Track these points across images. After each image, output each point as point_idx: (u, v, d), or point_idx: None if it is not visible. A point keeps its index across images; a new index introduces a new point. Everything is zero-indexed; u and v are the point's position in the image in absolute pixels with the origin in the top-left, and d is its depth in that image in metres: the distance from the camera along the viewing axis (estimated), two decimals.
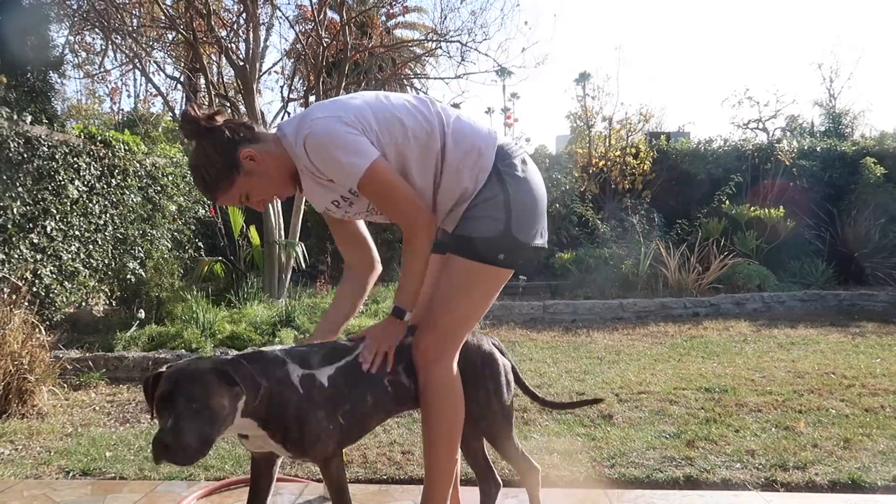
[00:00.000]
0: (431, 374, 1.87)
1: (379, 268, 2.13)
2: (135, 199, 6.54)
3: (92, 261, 5.87)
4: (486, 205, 1.84)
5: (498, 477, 2.18)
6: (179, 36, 7.09)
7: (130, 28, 6.94)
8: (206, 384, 1.57)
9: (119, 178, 6.31)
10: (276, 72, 12.48)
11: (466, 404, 1.93)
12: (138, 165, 6.66)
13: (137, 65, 7.00)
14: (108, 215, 6.12)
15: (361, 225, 2.10)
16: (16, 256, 4.97)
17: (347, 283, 2.09)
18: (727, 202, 8.93)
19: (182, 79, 9.18)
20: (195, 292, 5.93)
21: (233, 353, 1.81)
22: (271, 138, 1.84)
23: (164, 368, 1.63)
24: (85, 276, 5.74)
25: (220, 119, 1.80)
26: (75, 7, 7.47)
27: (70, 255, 5.57)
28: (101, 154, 6.07)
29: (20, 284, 4.53)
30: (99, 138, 6.10)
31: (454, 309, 1.88)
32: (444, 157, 1.84)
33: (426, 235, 1.82)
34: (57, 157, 5.48)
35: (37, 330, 3.86)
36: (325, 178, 1.79)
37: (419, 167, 1.84)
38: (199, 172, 1.81)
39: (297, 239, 6.93)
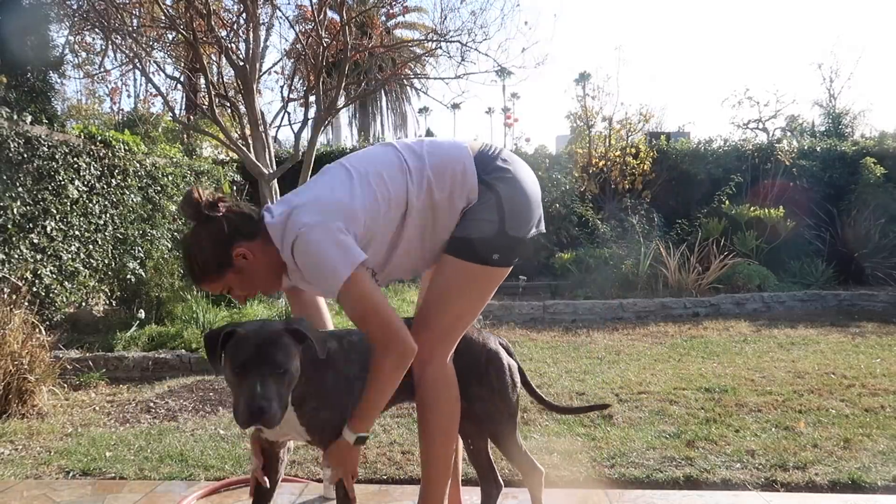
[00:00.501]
0: (425, 373, 1.88)
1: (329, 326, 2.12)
2: (135, 199, 6.53)
3: (92, 261, 5.87)
4: (479, 208, 1.86)
5: (500, 478, 2.18)
6: (179, 36, 7.08)
7: (130, 28, 6.93)
8: (286, 348, 1.61)
9: (119, 178, 6.31)
10: (276, 72, 12.46)
11: (470, 403, 1.93)
12: (138, 165, 6.66)
13: (137, 65, 6.98)
14: (108, 215, 6.11)
15: (320, 299, 2.12)
16: (16, 256, 4.97)
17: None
18: (727, 202, 8.93)
19: (182, 79, 9.16)
20: (195, 292, 5.93)
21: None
22: (263, 231, 1.79)
23: (231, 328, 1.66)
24: (85, 276, 5.74)
25: (222, 208, 1.78)
26: (75, 7, 7.46)
27: (70, 255, 5.56)
28: (101, 154, 6.07)
29: (20, 284, 4.53)
30: (99, 138, 6.10)
31: (448, 309, 1.89)
32: (434, 201, 1.83)
33: (395, 363, 1.73)
34: (57, 157, 5.48)
35: (37, 330, 3.86)
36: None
37: (414, 228, 1.84)
38: (189, 258, 1.80)
39: None
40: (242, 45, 7.15)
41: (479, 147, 1.94)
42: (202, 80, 8.47)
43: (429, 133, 28.10)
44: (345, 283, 1.68)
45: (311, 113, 7.32)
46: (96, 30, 7.28)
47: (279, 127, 11.58)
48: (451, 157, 1.88)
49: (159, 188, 7.00)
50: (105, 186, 6.11)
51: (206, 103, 6.85)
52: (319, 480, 2.59)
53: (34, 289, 5.00)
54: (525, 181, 1.92)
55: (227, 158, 9.38)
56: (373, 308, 1.73)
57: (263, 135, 6.98)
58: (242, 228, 1.78)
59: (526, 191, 1.91)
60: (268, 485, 1.93)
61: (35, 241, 5.18)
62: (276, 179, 6.72)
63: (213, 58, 7.88)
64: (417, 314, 1.95)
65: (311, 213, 1.72)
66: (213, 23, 6.62)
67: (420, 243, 1.89)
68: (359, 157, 1.89)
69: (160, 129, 9.35)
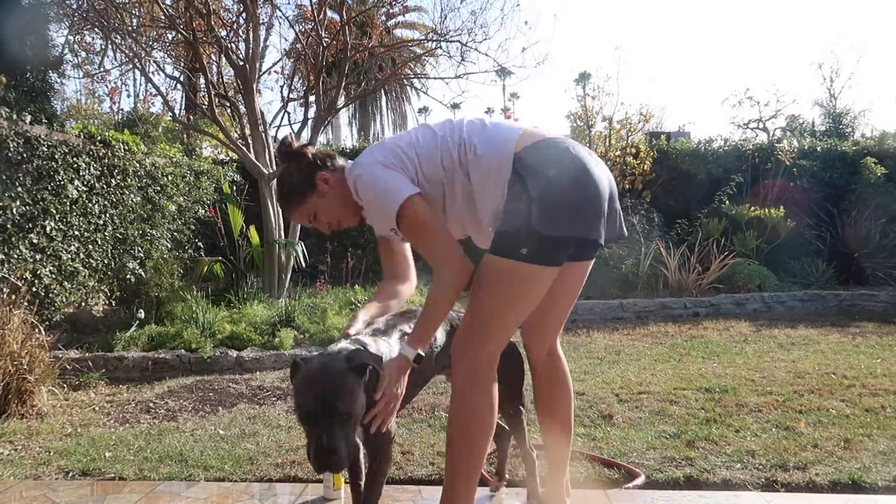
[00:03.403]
0: (457, 369, 1.89)
1: (415, 282, 2.23)
2: (134, 199, 6.53)
3: (91, 261, 5.87)
4: (510, 201, 1.86)
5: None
6: (179, 36, 7.08)
7: (130, 28, 6.93)
8: (350, 392, 1.67)
9: (119, 177, 6.31)
10: (275, 71, 12.50)
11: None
12: (138, 165, 6.65)
13: (137, 65, 6.98)
14: (107, 215, 6.11)
15: (408, 248, 2.21)
16: (15, 256, 4.96)
17: (381, 294, 2.17)
18: (727, 202, 8.93)
19: (182, 79, 9.17)
20: (195, 292, 5.93)
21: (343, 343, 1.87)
22: (342, 168, 2.04)
23: (296, 361, 1.77)
24: (84, 276, 5.74)
25: (311, 149, 2.06)
26: (75, 7, 7.46)
27: (70, 255, 5.56)
28: (101, 154, 6.07)
29: (20, 284, 4.53)
30: (98, 138, 6.09)
31: (479, 305, 1.89)
32: (469, 174, 1.92)
33: (451, 277, 1.84)
34: (56, 156, 5.47)
35: (36, 330, 3.86)
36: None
37: (452, 199, 1.97)
38: (281, 188, 2.09)
39: (297, 239, 6.93)
40: (242, 45, 7.15)
41: (538, 138, 1.90)
42: (202, 80, 8.47)
43: None
44: (402, 206, 1.82)
45: (311, 113, 7.33)
46: (96, 29, 7.28)
47: (279, 127, 11.56)
48: (496, 146, 1.90)
49: (159, 188, 7.00)
50: (105, 186, 6.10)
51: (206, 103, 6.85)
52: (319, 481, 2.58)
53: (34, 289, 5.00)
54: (575, 179, 1.82)
55: (227, 158, 9.38)
56: (431, 229, 1.86)
57: (263, 135, 6.98)
58: (324, 161, 2.04)
59: (569, 189, 1.81)
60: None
61: (34, 241, 5.17)
62: (276, 179, 6.71)
63: (213, 57, 7.88)
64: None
65: (372, 153, 1.95)
66: (212, 22, 6.61)
67: (464, 205, 1.97)
68: (426, 126, 2.04)
69: (160, 129, 9.35)
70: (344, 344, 1.85)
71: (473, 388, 1.86)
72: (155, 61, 7.65)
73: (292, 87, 7.86)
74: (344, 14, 7.26)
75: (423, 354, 1.87)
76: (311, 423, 1.64)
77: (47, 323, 4.87)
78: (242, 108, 7.20)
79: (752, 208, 8.77)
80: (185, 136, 10.05)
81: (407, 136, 2.00)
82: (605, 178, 1.90)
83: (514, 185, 1.85)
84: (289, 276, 6.94)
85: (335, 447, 1.61)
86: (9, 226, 4.94)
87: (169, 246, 7.04)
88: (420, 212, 1.85)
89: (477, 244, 2.12)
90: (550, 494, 2.21)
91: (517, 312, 1.90)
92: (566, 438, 2.20)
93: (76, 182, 5.70)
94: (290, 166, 2.05)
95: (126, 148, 6.46)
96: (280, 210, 6.85)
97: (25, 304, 3.97)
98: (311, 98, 7.36)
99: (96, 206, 5.96)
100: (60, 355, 4.17)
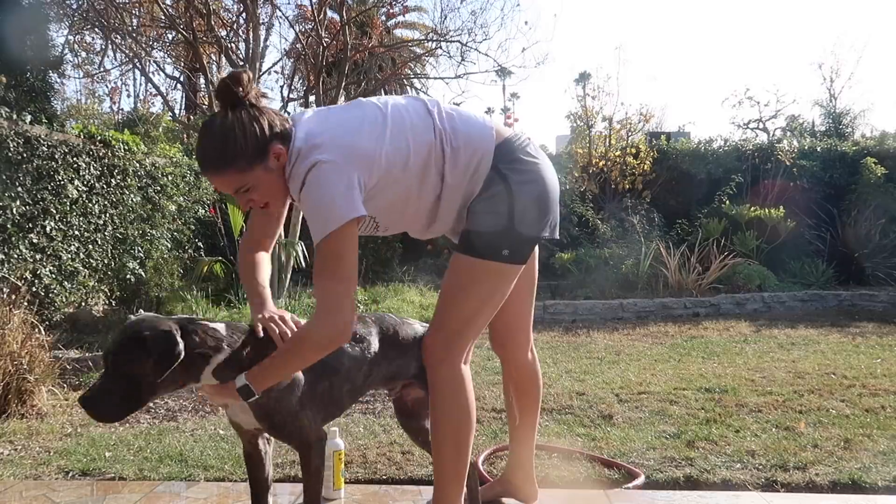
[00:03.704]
0: (437, 375, 1.85)
1: (271, 246, 2.01)
2: (134, 199, 6.53)
3: (91, 261, 5.87)
4: (488, 201, 1.80)
5: None
6: (179, 36, 7.08)
7: (130, 28, 6.93)
8: (122, 352, 1.61)
9: (119, 177, 6.31)
10: (276, 72, 12.49)
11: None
12: (138, 165, 6.65)
13: (137, 64, 7.00)
14: (107, 215, 6.11)
15: (281, 217, 2.03)
16: (15, 256, 4.96)
17: (251, 254, 1.94)
18: (727, 202, 8.93)
19: (182, 78, 9.17)
20: (195, 292, 5.93)
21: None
22: (290, 147, 1.70)
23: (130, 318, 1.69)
24: (84, 276, 5.74)
25: (266, 104, 1.71)
26: (75, 7, 7.47)
27: (69, 255, 5.56)
28: (101, 154, 6.07)
29: (20, 284, 4.53)
30: (98, 138, 6.10)
31: (459, 308, 1.85)
32: (444, 172, 1.77)
33: (321, 339, 1.61)
34: (56, 156, 5.47)
35: (36, 330, 3.86)
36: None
37: (418, 189, 1.78)
38: (224, 137, 1.63)
39: (297, 238, 6.93)
40: (242, 45, 7.16)
41: (507, 134, 1.86)
42: (202, 80, 8.48)
43: None
44: (335, 230, 1.59)
45: None
46: (96, 29, 7.29)
47: None
48: (473, 137, 1.79)
49: (159, 188, 7.00)
50: (105, 186, 6.10)
51: (206, 103, 6.85)
52: None
53: (33, 289, 5.00)
54: (545, 179, 1.86)
55: None
56: (345, 266, 1.61)
57: None
58: (283, 131, 1.68)
59: (542, 189, 1.85)
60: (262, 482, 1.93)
61: (34, 240, 5.17)
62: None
63: (213, 57, 7.90)
64: (434, 315, 1.92)
65: (332, 151, 1.63)
66: (212, 22, 6.62)
67: (426, 206, 1.82)
68: (396, 105, 1.79)
69: (160, 129, 9.35)
70: (181, 316, 1.73)
71: (458, 391, 1.85)
72: (155, 61, 7.67)
73: (292, 87, 7.87)
74: (344, 14, 7.26)
75: (256, 395, 1.63)
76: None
77: (47, 323, 4.87)
78: None
79: (753, 208, 8.77)
80: (185, 135, 10.05)
81: (375, 119, 1.73)
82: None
83: (493, 184, 1.79)
84: (289, 276, 6.93)
85: (91, 392, 1.58)
86: (9, 226, 4.94)
87: (169, 246, 7.04)
88: (347, 243, 1.61)
89: (414, 236, 2.01)
90: (523, 482, 2.24)
91: (491, 312, 1.91)
92: (533, 433, 2.25)
93: (76, 182, 5.70)
94: (240, 115, 1.64)
95: (126, 148, 6.46)
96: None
97: (25, 304, 3.96)
98: (311, 98, 7.36)
99: (96, 205, 5.96)
100: (60, 355, 4.17)
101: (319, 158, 1.61)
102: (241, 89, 1.64)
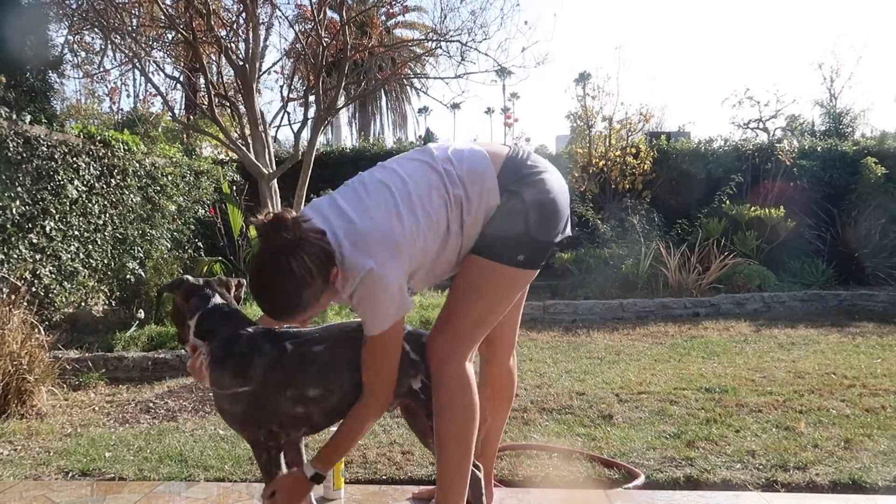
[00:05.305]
0: (442, 374, 1.86)
1: None
2: (134, 199, 6.53)
3: (91, 261, 5.87)
4: (504, 212, 1.82)
5: None
6: (179, 35, 7.07)
7: (130, 28, 6.92)
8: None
9: (118, 177, 6.31)
10: (275, 71, 12.47)
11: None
12: (137, 165, 6.65)
13: (137, 64, 6.98)
14: (107, 215, 6.11)
15: None
16: (15, 256, 4.96)
17: None
18: (727, 202, 8.92)
19: (182, 79, 9.16)
20: None
21: None
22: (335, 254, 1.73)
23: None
24: (84, 276, 5.74)
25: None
26: (74, 6, 7.46)
27: (69, 255, 5.56)
28: (101, 154, 6.07)
29: (19, 284, 4.53)
30: (98, 138, 6.09)
31: (470, 309, 1.87)
32: (464, 221, 1.82)
33: (377, 411, 1.85)
34: (56, 156, 5.47)
35: (36, 330, 3.86)
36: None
37: (447, 248, 1.84)
38: (295, 295, 1.67)
39: None
40: (242, 45, 7.15)
41: (506, 154, 1.88)
42: (202, 80, 8.46)
43: (428, 133, 28.00)
44: (388, 329, 1.73)
45: (311, 113, 7.32)
46: (95, 29, 7.27)
47: (279, 127, 11.59)
48: (480, 177, 1.82)
49: (159, 188, 7.00)
50: (104, 186, 6.10)
51: (206, 103, 6.84)
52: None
53: (33, 289, 5.00)
54: (553, 186, 1.88)
55: (227, 158, 9.38)
56: (390, 359, 1.80)
57: (263, 135, 6.97)
58: (329, 249, 1.68)
59: (553, 196, 1.87)
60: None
61: (34, 240, 5.17)
62: (275, 179, 6.71)
63: (213, 57, 7.88)
64: (440, 313, 1.93)
65: (377, 253, 1.67)
66: (212, 22, 6.61)
67: (453, 257, 1.88)
68: (401, 177, 1.80)
69: (160, 129, 9.34)
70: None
71: (462, 393, 1.86)
72: (155, 61, 7.65)
73: (292, 87, 7.85)
74: (344, 14, 7.25)
75: (324, 477, 1.84)
76: None
77: (47, 323, 4.86)
78: (242, 108, 7.19)
79: (753, 208, 8.76)
80: (185, 136, 10.04)
81: (394, 202, 1.75)
82: None
83: (507, 201, 1.82)
84: None
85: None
86: (9, 226, 4.94)
87: (169, 246, 7.04)
88: (393, 339, 1.77)
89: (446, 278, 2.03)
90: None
91: (499, 315, 1.94)
92: (499, 435, 2.33)
93: (76, 182, 5.70)
94: (303, 263, 1.63)
95: (126, 148, 6.46)
96: (280, 208, 6.83)
97: (25, 304, 3.97)
98: (311, 98, 7.35)
99: (96, 206, 5.95)
100: (60, 355, 4.17)
101: (369, 266, 1.66)
102: (288, 234, 1.63)
